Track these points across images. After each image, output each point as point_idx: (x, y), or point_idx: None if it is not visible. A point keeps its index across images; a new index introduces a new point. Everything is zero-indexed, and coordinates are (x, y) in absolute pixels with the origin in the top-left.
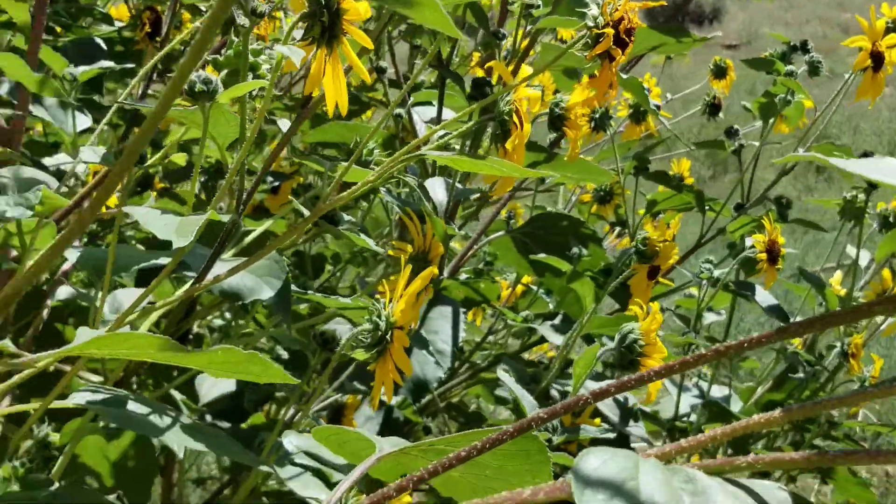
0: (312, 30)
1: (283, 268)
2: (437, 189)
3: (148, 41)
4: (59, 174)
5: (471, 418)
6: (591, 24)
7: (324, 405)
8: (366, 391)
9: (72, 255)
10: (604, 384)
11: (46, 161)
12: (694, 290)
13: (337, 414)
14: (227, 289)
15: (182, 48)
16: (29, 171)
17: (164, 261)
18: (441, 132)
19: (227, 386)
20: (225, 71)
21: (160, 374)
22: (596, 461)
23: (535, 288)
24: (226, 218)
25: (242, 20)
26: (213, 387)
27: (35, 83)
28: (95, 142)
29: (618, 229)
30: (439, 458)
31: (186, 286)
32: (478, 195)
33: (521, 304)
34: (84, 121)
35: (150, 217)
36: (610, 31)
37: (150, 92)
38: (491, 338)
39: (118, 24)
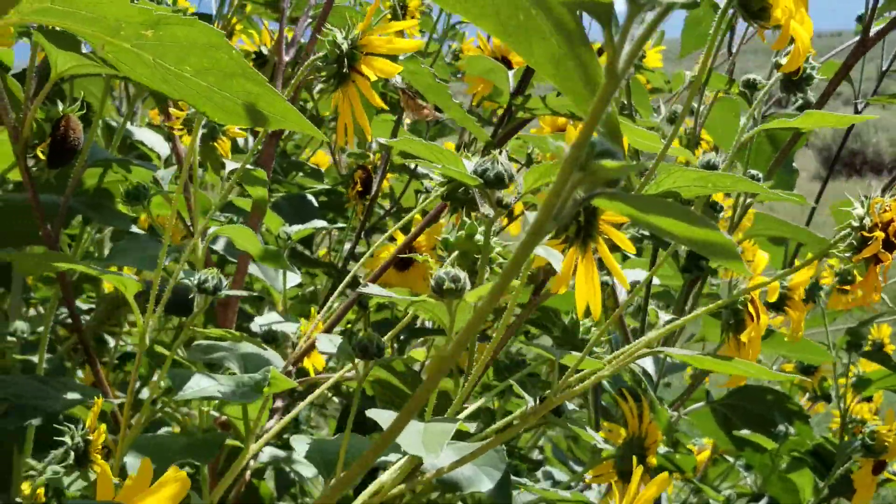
0: (567, 229)
1: (503, 457)
2: (648, 364)
3: (358, 199)
4: (270, 335)
5: None
6: (856, 224)
7: None
8: None
9: (300, 447)
10: None
11: (258, 320)
12: None
13: None
14: (444, 479)
15: (390, 209)
16: (252, 348)
17: (392, 457)
18: (666, 317)
19: None
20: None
21: None
22: None
23: (730, 459)
24: (472, 427)
25: (487, 210)
26: None
27: (262, 254)
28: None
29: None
30: None
31: (395, 472)
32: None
33: (712, 473)
34: (294, 278)
35: (387, 418)
36: (880, 234)
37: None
38: None
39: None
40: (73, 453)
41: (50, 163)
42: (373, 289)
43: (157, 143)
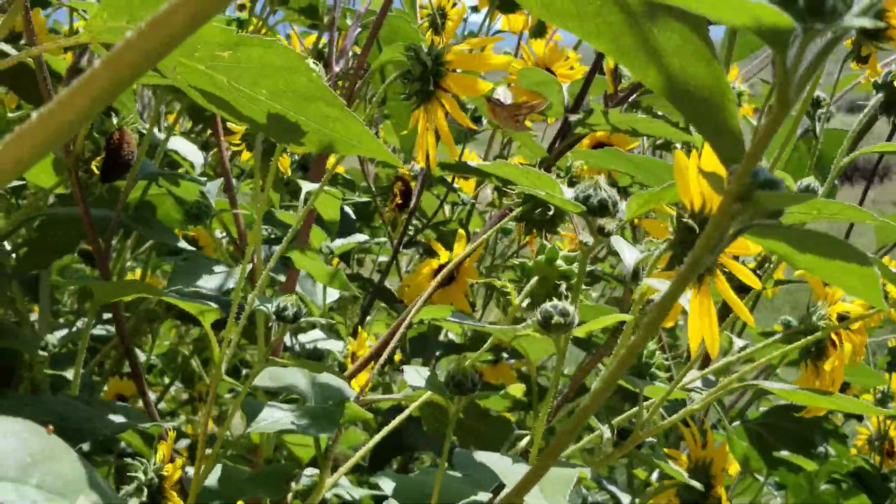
0: (683, 261)
1: (580, 491)
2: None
3: (397, 211)
4: (316, 353)
5: None
6: None
7: None
8: None
9: (387, 486)
10: None
11: (301, 338)
12: None
13: None
14: None
15: (427, 222)
16: (328, 378)
17: (482, 496)
18: (739, 343)
19: None
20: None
21: None
22: None
23: (759, 478)
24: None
25: (587, 238)
26: None
27: (327, 277)
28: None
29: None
30: None
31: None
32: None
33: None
34: (333, 293)
35: (502, 464)
36: None
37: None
38: None
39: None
40: (146, 489)
41: (103, 177)
42: (460, 317)
43: (190, 153)
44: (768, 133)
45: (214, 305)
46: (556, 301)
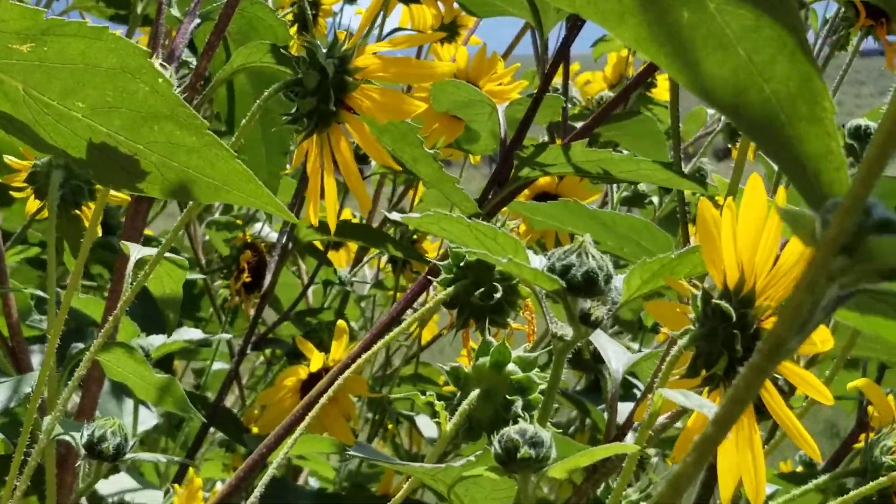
0: (715, 364)
1: None
2: None
3: (245, 294)
4: None
5: None
6: None
7: None
8: None
9: None
10: None
11: (101, 486)
12: None
13: None
14: None
15: (289, 309)
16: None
17: None
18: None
19: None
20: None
21: None
22: None
23: None
24: None
25: (562, 329)
26: None
27: (155, 392)
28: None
29: None
30: None
31: None
32: None
33: None
34: (148, 418)
35: None
36: None
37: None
38: None
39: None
40: None
41: None
42: (369, 453)
43: None
44: (884, 152)
45: None
46: (522, 425)
